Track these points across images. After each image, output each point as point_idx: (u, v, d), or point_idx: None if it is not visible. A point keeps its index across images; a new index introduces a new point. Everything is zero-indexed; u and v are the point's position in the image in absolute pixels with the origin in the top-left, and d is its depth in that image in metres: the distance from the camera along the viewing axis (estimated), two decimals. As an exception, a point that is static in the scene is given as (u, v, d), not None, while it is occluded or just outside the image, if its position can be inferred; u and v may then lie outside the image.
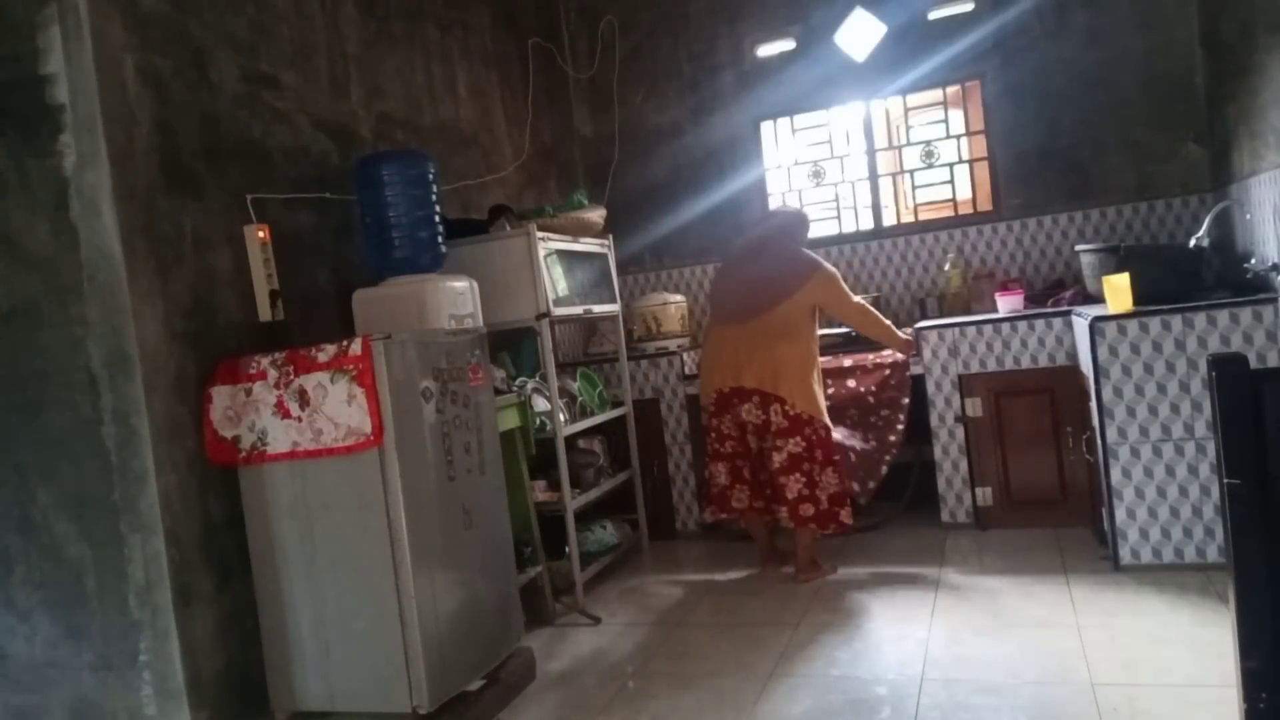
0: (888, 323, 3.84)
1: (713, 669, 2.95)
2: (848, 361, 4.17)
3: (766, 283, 3.70)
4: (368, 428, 2.43)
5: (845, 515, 3.65)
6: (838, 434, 3.83)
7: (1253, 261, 3.46)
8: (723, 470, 3.80)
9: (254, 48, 2.97)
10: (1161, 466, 3.29)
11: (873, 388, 4.09)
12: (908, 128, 4.97)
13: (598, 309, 4.10)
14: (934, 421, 4.04)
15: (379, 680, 2.51)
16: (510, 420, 3.36)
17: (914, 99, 4.84)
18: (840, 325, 4.28)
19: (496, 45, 4.60)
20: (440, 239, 3.17)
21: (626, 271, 5.20)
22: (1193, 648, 2.65)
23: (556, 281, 3.71)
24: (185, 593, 2.47)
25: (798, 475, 3.62)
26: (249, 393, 2.54)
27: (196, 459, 2.55)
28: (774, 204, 5.06)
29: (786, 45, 4.88)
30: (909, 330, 4.08)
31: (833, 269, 3.73)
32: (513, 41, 4.76)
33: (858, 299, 3.79)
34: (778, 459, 3.64)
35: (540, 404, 3.62)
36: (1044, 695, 2.49)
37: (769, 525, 3.89)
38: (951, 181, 4.79)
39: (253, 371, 2.54)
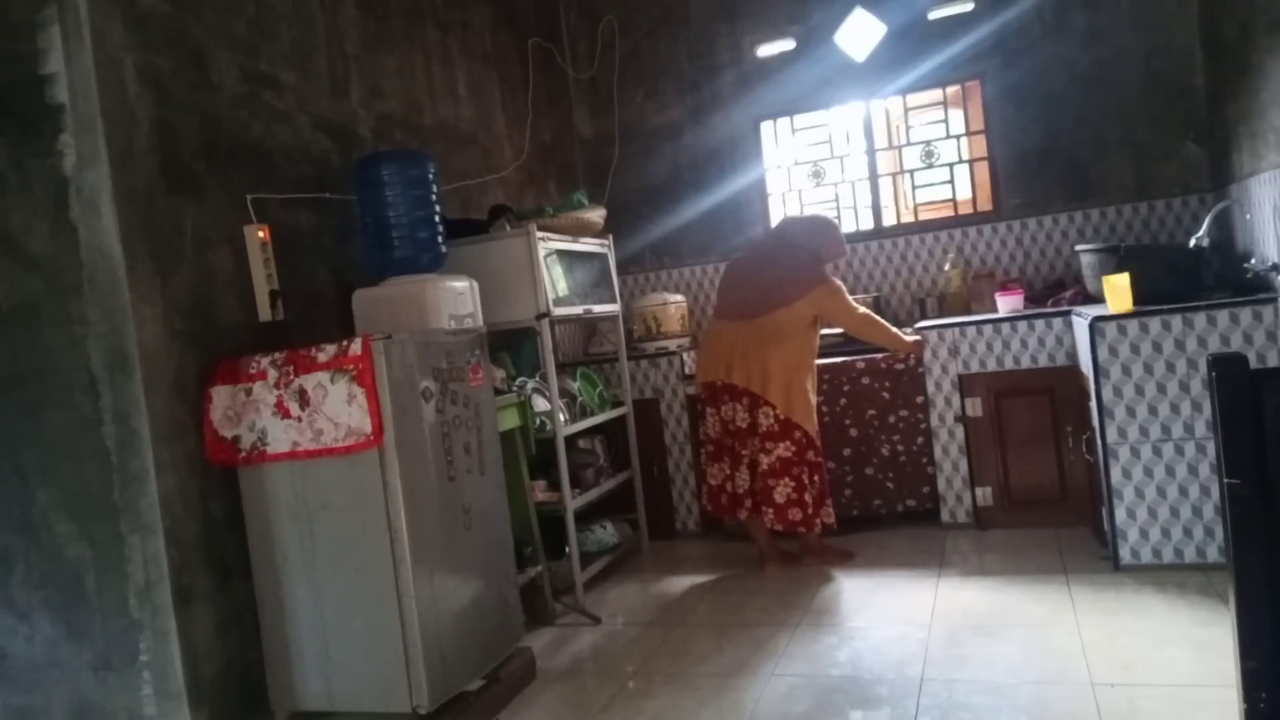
0: (893, 329, 3.86)
1: (713, 669, 2.95)
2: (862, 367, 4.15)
3: (771, 286, 3.72)
4: (368, 428, 2.43)
5: (827, 514, 3.76)
6: None
7: (1253, 261, 3.46)
8: (715, 471, 3.87)
9: (254, 48, 2.97)
10: (1161, 466, 3.28)
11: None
12: (908, 128, 4.97)
13: (598, 309, 4.10)
14: (934, 421, 4.04)
15: (379, 680, 2.51)
16: (510, 420, 3.36)
17: (914, 99, 4.83)
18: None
19: (496, 45, 4.59)
20: (440, 239, 3.17)
21: (626, 271, 5.20)
22: (1193, 648, 2.65)
23: (556, 281, 3.71)
24: (185, 593, 2.47)
25: (787, 479, 3.67)
26: (249, 393, 2.54)
27: (196, 459, 2.55)
28: (775, 205, 5.07)
29: (786, 45, 4.87)
30: (910, 330, 4.08)
31: (838, 283, 3.75)
32: (513, 41, 4.76)
33: (862, 310, 3.80)
34: (766, 461, 3.68)
35: (540, 404, 3.62)
36: (1044, 695, 2.49)
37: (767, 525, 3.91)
38: (951, 181, 4.78)
39: (253, 371, 2.55)
